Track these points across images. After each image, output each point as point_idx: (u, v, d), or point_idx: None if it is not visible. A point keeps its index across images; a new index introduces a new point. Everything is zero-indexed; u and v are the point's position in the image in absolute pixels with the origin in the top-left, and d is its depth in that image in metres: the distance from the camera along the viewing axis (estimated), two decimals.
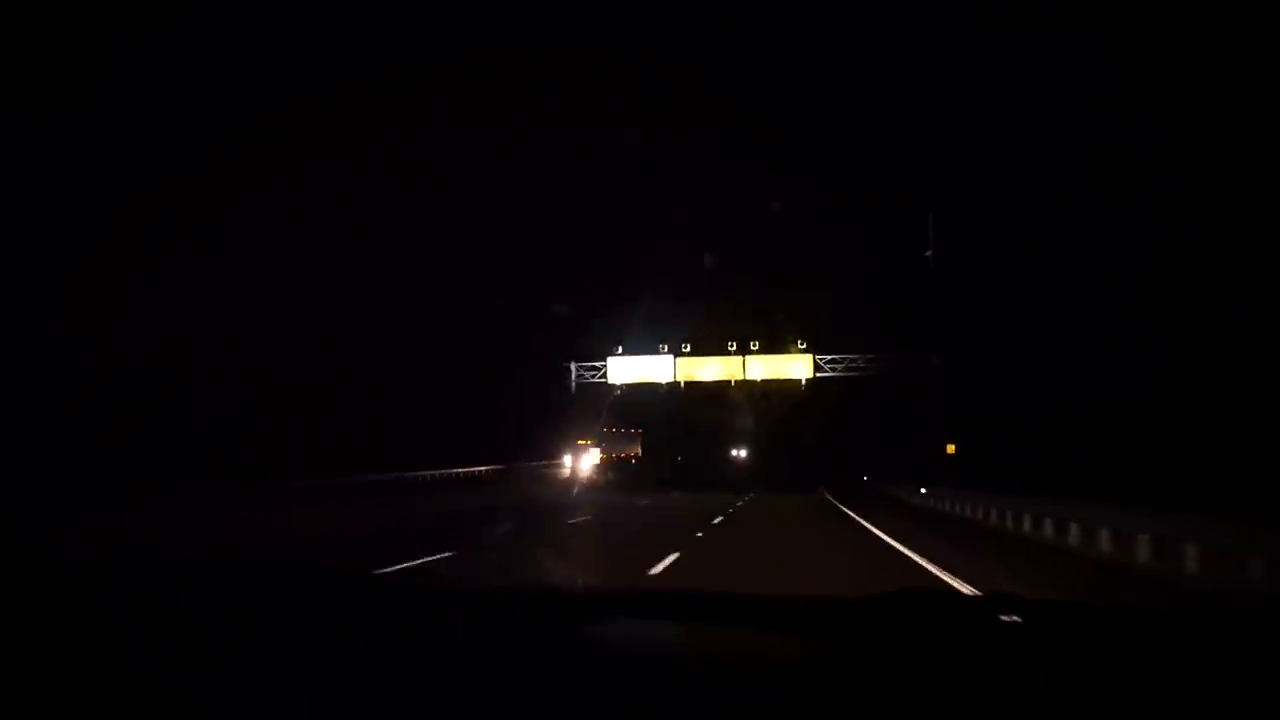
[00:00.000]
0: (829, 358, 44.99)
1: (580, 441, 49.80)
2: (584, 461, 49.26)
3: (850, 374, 45.03)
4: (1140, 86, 28.98)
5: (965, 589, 9.23)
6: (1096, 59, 33.59)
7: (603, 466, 52.63)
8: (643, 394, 48.18)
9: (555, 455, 50.58)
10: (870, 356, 44.59)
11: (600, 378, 47.69)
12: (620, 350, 46.99)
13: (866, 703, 1.34)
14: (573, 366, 48.00)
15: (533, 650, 1.65)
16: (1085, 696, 1.29)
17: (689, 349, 46.05)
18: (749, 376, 45.39)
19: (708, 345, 46.28)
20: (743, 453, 75.17)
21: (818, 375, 44.90)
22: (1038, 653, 1.51)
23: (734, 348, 45.43)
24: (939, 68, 57.09)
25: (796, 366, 44.97)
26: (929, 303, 44.96)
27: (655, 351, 46.53)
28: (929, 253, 45.70)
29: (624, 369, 47.05)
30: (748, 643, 1.67)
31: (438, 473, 41.11)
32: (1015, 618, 1.61)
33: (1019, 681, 1.37)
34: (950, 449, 43.39)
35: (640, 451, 63.75)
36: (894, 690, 1.36)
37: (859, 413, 55.94)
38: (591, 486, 43.36)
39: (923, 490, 31.82)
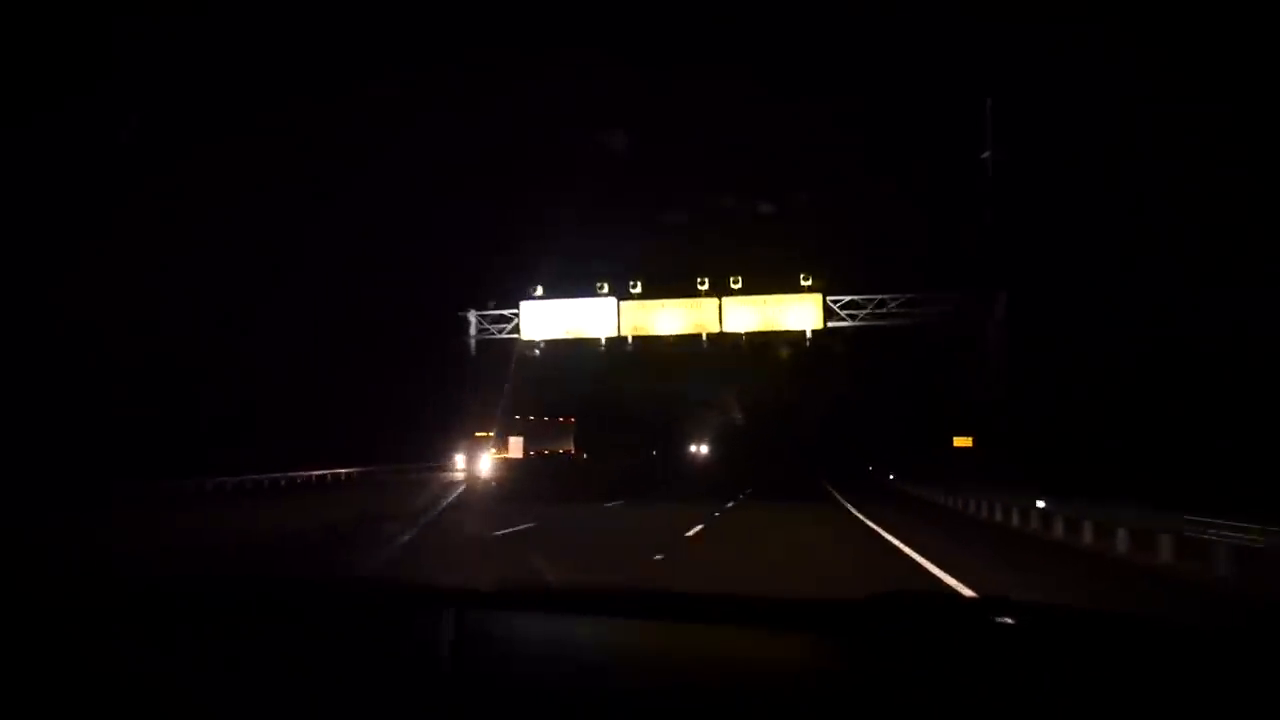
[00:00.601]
0: (845, 300, 31.29)
1: (479, 434, 35.27)
2: (483, 462, 34.70)
3: (875, 323, 31.37)
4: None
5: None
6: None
7: (517, 467, 38.06)
8: (573, 356, 33.98)
9: (444, 456, 35.98)
10: (908, 297, 30.92)
11: (510, 332, 33.39)
12: (539, 292, 32.75)
13: (855, 703, 1.35)
14: (472, 316, 33.61)
15: (509, 648, 1.69)
16: (1076, 700, 1.31)
17: (638, 288, 31.99)
18: (728, 328, 31.45)
19: (667, 284, 32.30)
20: (712, 446, 61.35)
21: (828, 326, 31.15)
22: (1030, 655, 1.52)
23: (705, 286, 31.51)
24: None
25: (798, 312, 31.18)
26: (986, 224, 31.53)
27: (590, 292, 32.41)
28: (986, 154, 32.34)
29: (544, 318, 32.80)
30: (737, 643, 1.67)
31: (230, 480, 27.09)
32: (1008, 619, 1.62)
33: (1011, 684, 1.39)
34: (965, 442, 34.58)
35: (574, 447, 49.42)
36: (885, 691, 1.38)
37: (883, 380, 42.36)
38: (501, 494, 29.16)
39: (1039, 504, 17.66)
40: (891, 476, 40.61)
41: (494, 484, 32.63)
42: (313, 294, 34.92)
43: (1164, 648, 1.54)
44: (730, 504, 25.86)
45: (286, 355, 33.98)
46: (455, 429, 35.43)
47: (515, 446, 39.74)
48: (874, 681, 1.43)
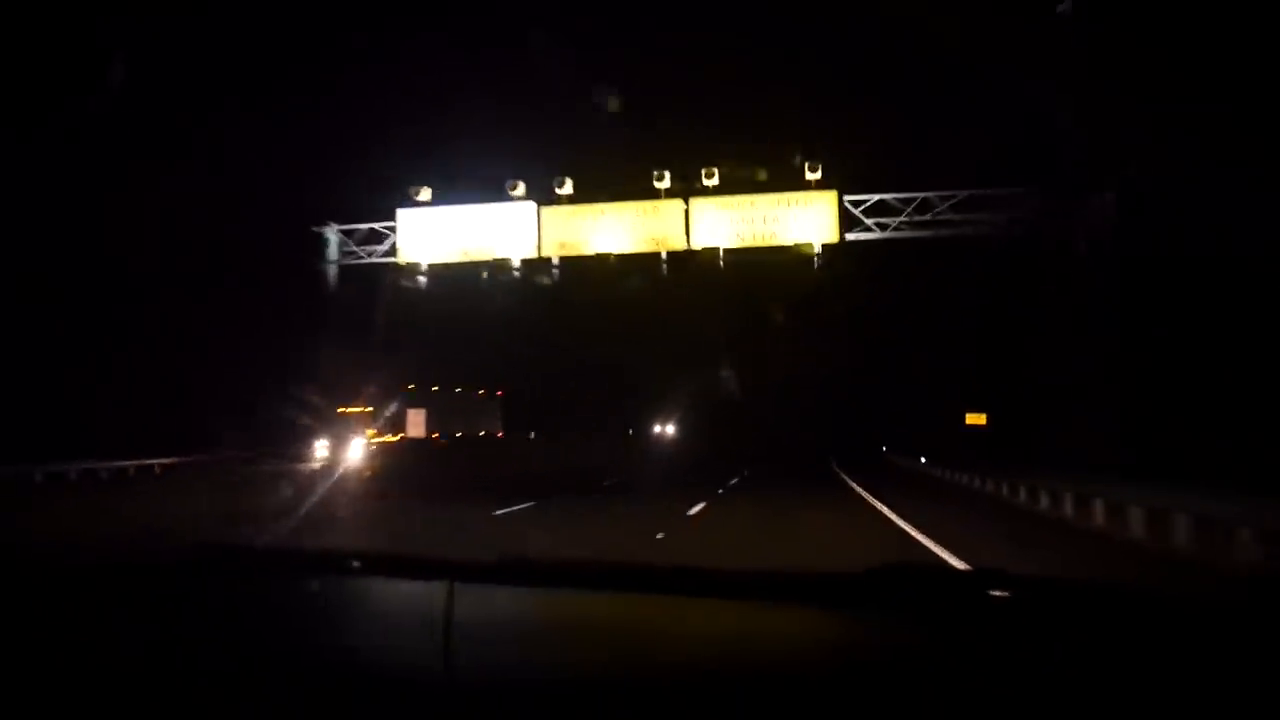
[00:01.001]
0: (871, 200, 21.59)
1: (345, 410, 25.25)
2: (353, 448, 24.61)
3: (915, 234, 21.66)
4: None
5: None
6: None
7: (411, 452, 28.00)
8: (473, 290, 24.04)
9: (304, 439, 25.66)
10: (966, 195, 21.26)
11: (385, 255, 23.40)
12: (424, 195, 22.73)
13: (855, 676, 1.37)
14: (332, 234, 23.59)
15: (506, 620, 1.68)
16: (1070, 672, 1.33)
17: (567, 188, 22.06)
18: (699, 243, 21.63)
19: (609, 180, 22.41)
20: (684, 420, 51.49)
21: (846, 238, 21.40)
22: (1025, 628, 1.53)
23: (666, 184, 21.62)
24: None
25: (802, 219, 21.42)
26: (1074, 92, 21.88)
27: (499, 195, 22.46)
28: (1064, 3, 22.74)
29: (431, 232, 22.83)
30: (735, 616, 1.68)
31: None
32: (1004, 592, 1.63)
33: (1006, 656, 1.41)
34: (978, 419, 32.09)
35: (500, 429, 39.61)
36: (884, 663, 1.40)
37: (921, 317, 33.31)
38: (371, 492, 19.69)
39: None
40: (923, 459, 31.14)
41: (369, 476, 22.72)
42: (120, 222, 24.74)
43: (1160, 620, 1.54)
44: (699, 507, 16.26)
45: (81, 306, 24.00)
46: (319, 400, 25.34)
47: (415, 424, 29.96)
48: (873, 653, 1.44)
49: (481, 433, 37.17)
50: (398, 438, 28.80)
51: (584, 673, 1.37)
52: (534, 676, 1.36)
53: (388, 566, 2.00)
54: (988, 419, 33.49)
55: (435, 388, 32.66)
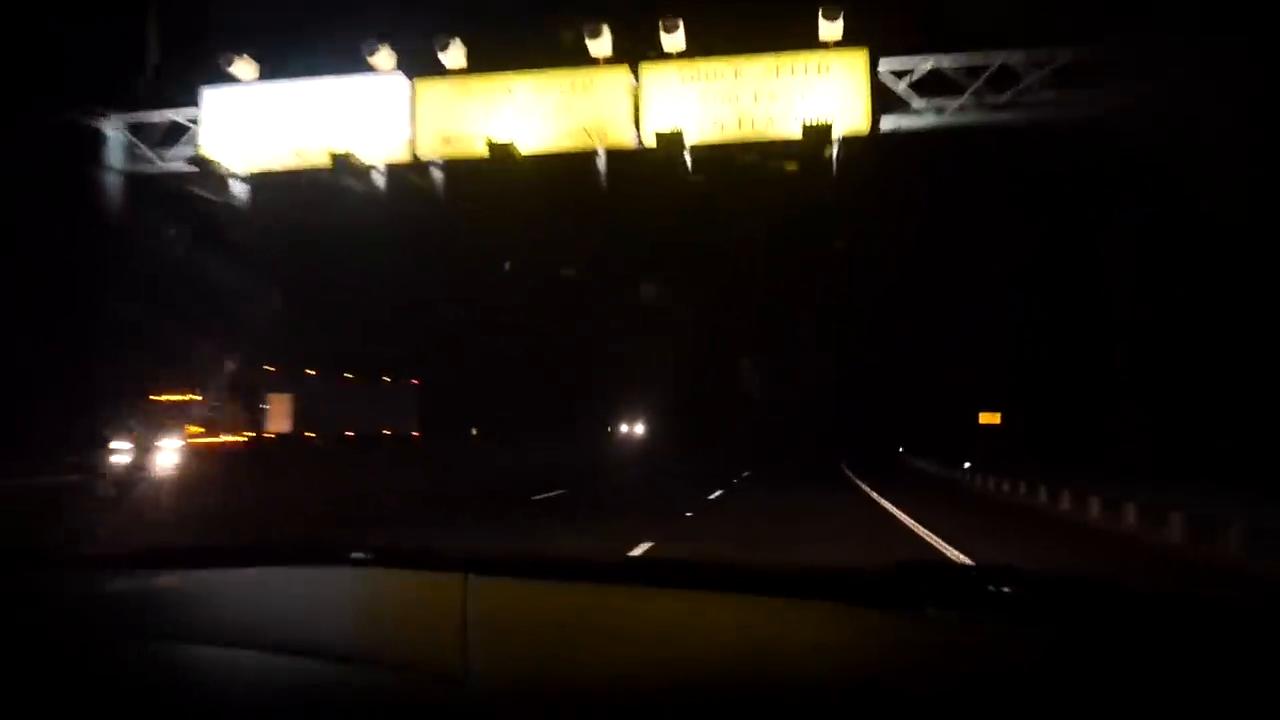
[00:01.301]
0: (924, 68, 14.12)
1: (159, 398, 17.69)
2: (165, 452, 16.93)
3: (986, 118, 14.21)
4: None
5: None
6: None
7: (261, 459, 20.35)
8: (315, 211, 16.44)
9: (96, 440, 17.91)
10: (1068, 58, 13.77)
11: (187, 160, 15.79)
12: (245, 71, 15.10)
13: (869, 673, 1.36)
14: (113, 129, 15.94)
15: (522, 614, 1.68)
16: (1080, 669, 1.33)
17: (456, 54, 14.48)
18: (653, 130, 14.06)
19: (519, 39, 14.87)
20: (651, 416, 44.37)
21: (881, 125, 13.91)
22: (1031, 625, 1.53)
23: (605, 43, 14.08)
24: None
25: (815, 98, 13.92)
26: None
27: (354, 65, 14.91)
28: None
29: (252, 123, 15.22)
30: (746, 610, 1.67)
31: None
32: (1009, 589, 1.63)
33: (1011, 654, 1.41)
34: (992, 418, 29.52)
35: (416, 425, 32.21)
36: (893, 659, 1.39)
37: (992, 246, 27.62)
38: (183, 514, 12.08)
39: None
40: (966, 463, 24.30)
41: (162, 493, 15.15)
42: None
43: (1171, 621, 1.53)
44: (639, 551, 9.15)
45: None
46: (118, 384, 17.67)
47: (280, 414, 22.58)
48: (887, 648, 1.43)
49: (386, 430, 29.68)
50: (246, 436, 21.41)
51: (604, 669, 1.35)
52: (553, 674, 1.32)
53: (399, 559, 1.98)
54: (1002, 417, 30.25)
55: (312, 370, 25.18)
